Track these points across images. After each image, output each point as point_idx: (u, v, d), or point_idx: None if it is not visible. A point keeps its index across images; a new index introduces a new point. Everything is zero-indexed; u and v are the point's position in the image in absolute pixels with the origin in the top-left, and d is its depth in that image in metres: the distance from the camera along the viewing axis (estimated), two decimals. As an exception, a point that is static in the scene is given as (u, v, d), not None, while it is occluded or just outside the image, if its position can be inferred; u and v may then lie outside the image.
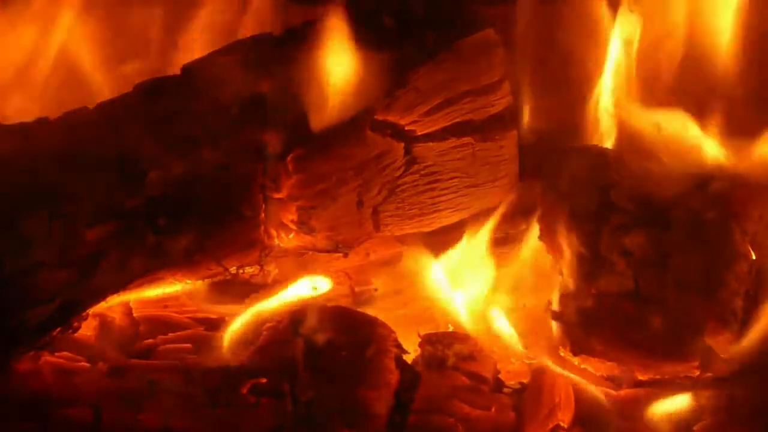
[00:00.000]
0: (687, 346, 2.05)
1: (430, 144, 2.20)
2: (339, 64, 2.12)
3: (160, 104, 2.10)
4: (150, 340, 2.19)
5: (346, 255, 2.20)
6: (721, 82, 2.37)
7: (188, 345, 2.15)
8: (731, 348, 2.04)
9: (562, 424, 2.04)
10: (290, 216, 2.11)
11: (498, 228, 2.31)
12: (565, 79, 2.40)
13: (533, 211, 2.28)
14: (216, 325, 2.19)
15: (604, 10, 2.35)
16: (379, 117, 2.14)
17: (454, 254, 2.30)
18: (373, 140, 2.14)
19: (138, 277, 2.04)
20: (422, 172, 2.21)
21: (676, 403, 2.04)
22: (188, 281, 2.18)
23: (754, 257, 2.12)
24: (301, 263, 2.30)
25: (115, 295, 2.07)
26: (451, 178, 2.23)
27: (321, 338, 2.07)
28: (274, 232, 2.13)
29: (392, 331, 2.11)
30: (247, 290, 2.26)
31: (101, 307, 2.12)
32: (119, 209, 1.99)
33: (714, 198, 2.14)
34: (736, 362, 2.04)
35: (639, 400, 2.08)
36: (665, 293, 2.07)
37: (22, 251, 1.90)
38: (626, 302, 2.09)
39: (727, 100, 2.33)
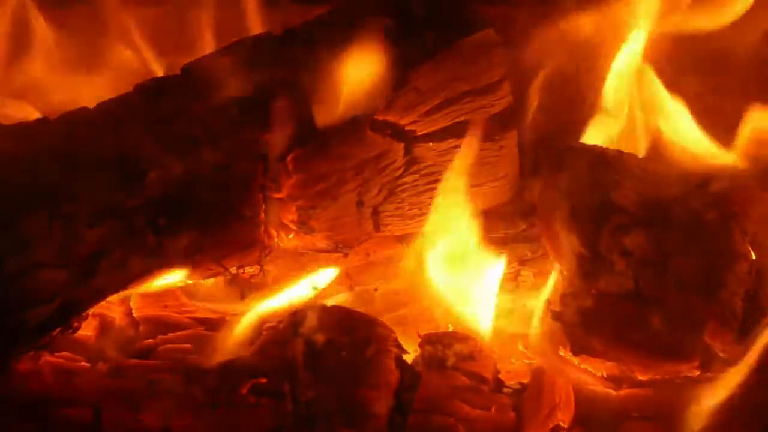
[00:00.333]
0: (687, 346, 2.05)
1: (430, 144, 2.20)
2: (339, 64, 2.12)
3: (160, 104, 2.10)
4: (150, 340, 2.19)
5: (346, 255, 2.20)
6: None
7: (188, 345, 2.15)
8: (731, 348, 2.04)
9: (562, 424, 2.04)
10: (290, 216, 2.11)
11: (498, 228, 2.31)
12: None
13: (533, 211, 2.28)
14: (216, 325, 2.19)
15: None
16: (379, 117, 2.14)
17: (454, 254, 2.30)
18: (373, 140, 2.14)
19: (138, 277, 2.04)
20: (422, 172, 2.21)
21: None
22: (188, 281, 2.19)
23: (754, 257, 2.12)
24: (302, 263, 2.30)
25: (115, 295, 2.08)
26: (452, 178, 2.23)
27: (321, 338, 2.07)
28: (274, 232, 2.13)
29: (392, 331, 2.12)
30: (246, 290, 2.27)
31: (101, 307, 2.12)
32: (119, 209, 1.99)
33: (714, 198, 2.14)
34: (736, 362, 2.04)
35: (639, 400, 2.08)
36: (665, 293, 2.07)
37: (22, 251, 1.90)
38: (626, 302, 2.09)
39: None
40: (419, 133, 2.18)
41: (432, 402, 2.03)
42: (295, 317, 2.11)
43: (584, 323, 2.10)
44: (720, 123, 2.29)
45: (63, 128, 2.05)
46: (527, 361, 2.22)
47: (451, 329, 2.25)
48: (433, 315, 2.30)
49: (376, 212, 2.18)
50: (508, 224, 2.32)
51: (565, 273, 2.16)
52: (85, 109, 2.09)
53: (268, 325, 2.13)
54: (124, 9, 2.50)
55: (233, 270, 2.14)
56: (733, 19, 2.34)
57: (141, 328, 2.22)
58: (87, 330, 2.14)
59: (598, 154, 2.25)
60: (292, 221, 2.11)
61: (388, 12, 2.19)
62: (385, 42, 2.14)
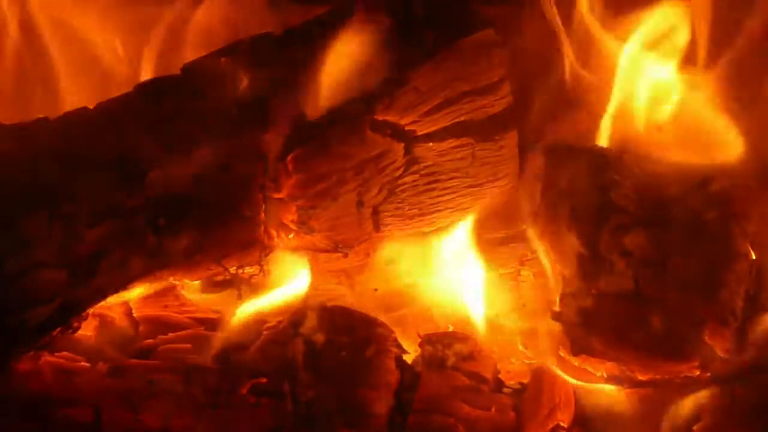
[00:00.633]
0: (687, 346, 2.05)
1: (430, 144, 2.20)
2: (339, 64, 2.12)
3: (160, 104, 2.09)
4: (150, 340, 2.19)
5: (346, 255, 2.20)
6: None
7: (188, 345, 2.15)
8: (731, 348, 2.04)
9: (562, 424, 2.04)
10: (290, 216, 2.11)
11: (498, 228, 2.31)
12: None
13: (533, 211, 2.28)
14: (216, 325, 2.19)
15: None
16: (379, 117, 2.14)
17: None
18: (373, 140, 2.14)
19: (138, 277, 2.04)
20: (422, 172, 2.20)
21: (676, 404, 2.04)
22: (188, 281, 2.19)
23: (754, 257, 2.12)
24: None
25: (115, 295, 2.07)
26: (451, 178, 2.23)
27: (321, 338, 2.07)
28: (274, 232, 2.13)
29: (392, 331, 2.12)
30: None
31: (101, 307, 2.12)
32: (119, 209, 1.99)
33: (714, 198, 2.14)
34: (736, 362, 2.04)
35: (639, 400, 2.08)
36: (665, 293, 2.07)
37: (22, 251, 1.90)
38: (626, 302, 2.09)
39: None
40: (419, 133, 2.18)
41: (432, 402, 2.03)
42: (295, 317, 2.11)
43: (584, 323, 2.10)
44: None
45: (63, 128, 2.05)
46: (527, 361, 2.22)
47: (451, 329, 2.25)
48: (433, 315, 2.30)
49: (376, 212, 2.18)
50: (508, 224, 2.31)
51: (565, 273, 2.16)
52: (85, 109, 2.09)
53: (268, 325, 2.13)
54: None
55: (233, 270, 2.14)
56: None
57: (141, 328, 2.22)
58: (87, 330, 2.14)
59: (598, 154, 2.25)
60: (292, 221, 2.11)
61: (388, 12, 2.19)
62: (385, 42, 2.14)
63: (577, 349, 2.10)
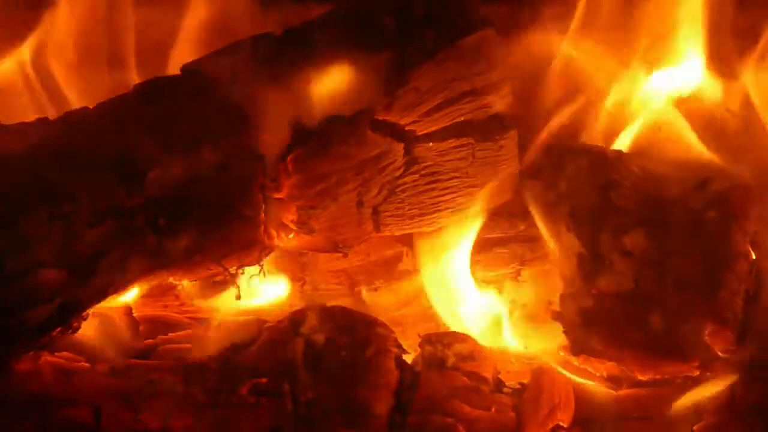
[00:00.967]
0: (687, 346, 2.05)
1: (430, 144, 2.20)
2: (339, 64, 2.12)
3: (160, 104, 2.09)
4: (150, 340, 2.19)
5: (346, 255, 2.20)
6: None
7: (188, 345, 2.15)
8: (731, 348, 2.04)
9: (562, 424, 2.04)
10: (290, 216, 2.11)
11: (498, 228, 2.31)
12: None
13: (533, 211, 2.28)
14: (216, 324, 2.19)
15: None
16: (379, 117, 2.14)
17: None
18: (373, 140, 2.14)
19: (138, 277, 2.04)
20: (422, 172, 2.21)
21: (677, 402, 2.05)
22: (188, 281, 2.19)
23: (754, 257, 2.12)
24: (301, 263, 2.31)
25: (115, 295, 2.07)
26: (451, 178, 2.23)
27: (321, 338, 2.07)
28: (274, 232, 2.13)
29: (392, 331, 2.12)
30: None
31: (101, 307, 2.12)
32: (119, 209, 1.98)
33: (714, 198, 2.14)
34: (736, 362, 2.04)
35: (639, 400, 2.08)
36: (665, 293, 2.07)
37: (22, 251, 1.90)
38: (626, 302, 2.09)
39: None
40: (419, 133, 2.18)
41: (432, 402, 2.03)
42: (295, 317, 2.11)
43: (584, 323, 2.10)
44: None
45: (63, 128, 2.05)
46: (527, 361, 2.22)
47: (451, 329, 2.25)
48: (433, 315, 2.30)
49: (376, 212, 2.18)
50: (508, 224, 2.31)
51: (565, 273, 2.16)
52: (85, 109, 2.09)
53: (268, 325, 2.13)
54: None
55: (233, 270, 2.14)
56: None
57: (141, 328, 2.22)
58: (87, 330, 2.14)
59: (598, 154, 2.26)
60: (292, 221, 2.11)
61: (388, 12, 2.19)
62: (385, 42, 2.14)
63: (577, 349, 2.11)
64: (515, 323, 2.28)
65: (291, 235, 2.13)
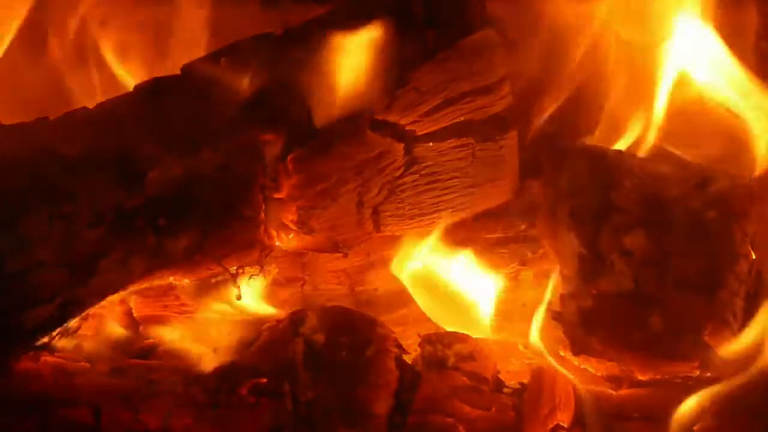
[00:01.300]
0: (687, 346, 2.05)
1: (430, 144, 2.20)
2: (339, 64, 2.12)
3: (160, 104, 2.09)
4: (150, 340, 2.19)
5: (346, 255, 2.20)
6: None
7: (188, 345, 2.15)
8: (731, 348, 2.04)
9: (562, 424, 2.04)
10: (290, 216, 2.11)
11: (498, 228, 2.31)
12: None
13: (533, 211, 2.28)
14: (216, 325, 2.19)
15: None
16: (379, 117, 2.14)
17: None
18: (373, 140, 2.14)
19: (138, 277, 2.04)
20: (422, 172, 2.21)
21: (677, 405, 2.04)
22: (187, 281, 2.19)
23: (754, 257, 2.12)
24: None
25: (115, 295, 2.07)
26: (451, 178, 2.23)
27: (321, 338, 2.07)
28: (274, 232, 2.13)
29: (392, 331, 2.12)
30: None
31: (101, 307, 2.12)
32: (119, 209, 1.98)
33: (714, 198, 2.14)
34: (736, 362, 2.04)
35: (639, 400, 2.08)
36: (665, 293, 2.07)
37: (22, 251, 1.90)
38: (626, 302, 2.09)
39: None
40: (419, 133, 2.18)
41: (432, 402, 2.03)
42: (295, 317, 2.11)
43: (584, 323, 2.10)
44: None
45: (63, 128, 2.05)
46: (527, 361, 2.22)
47: (450, 329, 2.25)
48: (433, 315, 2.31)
49: (376, 212, 2.18)
50: (508, 224, 2.31)
51: (565, 273, 2.16)
52: (85, 109, 2.09)
53: (267, 325, 2.13)
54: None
55: (233, 270, 2.14)
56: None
57: (141, 328, 2.22)
58: (87, 330, 2.14)
59: (598, 154, 2.25)
60: (292, 221, 2.11)
61: (388, 12, 2.19)
62: (385, 42, 2.14)
63: (577, 349, 2.11)
64: (515, 323, 2.28)
65: (291, 235, 2.13)
